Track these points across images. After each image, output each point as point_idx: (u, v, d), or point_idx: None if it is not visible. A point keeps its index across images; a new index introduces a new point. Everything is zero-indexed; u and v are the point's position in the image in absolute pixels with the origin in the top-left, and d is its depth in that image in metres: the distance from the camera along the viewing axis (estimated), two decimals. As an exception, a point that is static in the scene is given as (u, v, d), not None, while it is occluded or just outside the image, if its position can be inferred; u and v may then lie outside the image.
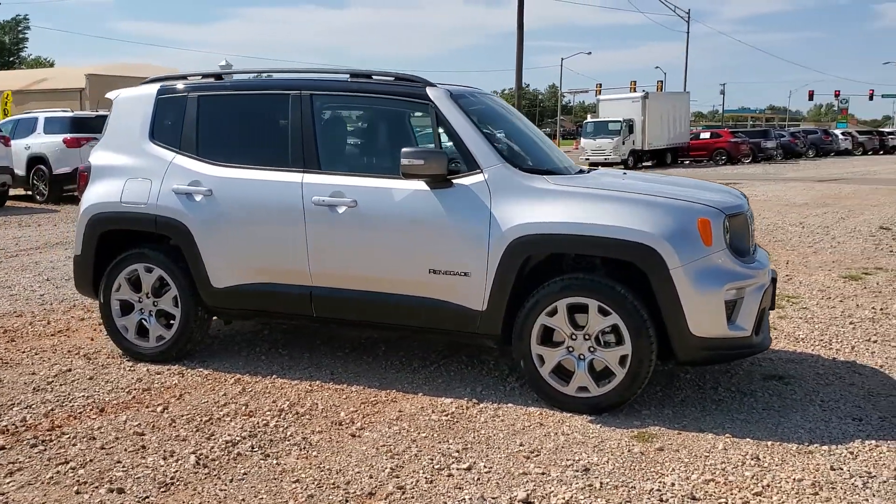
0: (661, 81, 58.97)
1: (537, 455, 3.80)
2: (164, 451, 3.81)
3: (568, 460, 3.74)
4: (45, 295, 7.27)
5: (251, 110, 5.13)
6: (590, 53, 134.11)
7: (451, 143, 4.66)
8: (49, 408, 4.38)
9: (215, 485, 3.47)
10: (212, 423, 4.16)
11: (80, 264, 5.32)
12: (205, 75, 5.32)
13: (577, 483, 3.50)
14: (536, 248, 4.35)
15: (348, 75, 4.97)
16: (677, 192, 4.49)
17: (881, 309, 6.87)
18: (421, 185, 4.54)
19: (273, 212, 4.82)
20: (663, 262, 4.11)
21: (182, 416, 4.27)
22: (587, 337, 4.29)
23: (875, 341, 5.86)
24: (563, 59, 73.26)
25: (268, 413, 4.31)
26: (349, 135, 5.42)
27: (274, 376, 4.93)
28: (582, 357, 4.31)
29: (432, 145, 4.72)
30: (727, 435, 4.05)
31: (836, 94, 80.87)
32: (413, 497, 3.38)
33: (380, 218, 4.62)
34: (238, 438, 3.95)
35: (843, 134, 54.11)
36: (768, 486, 3.49)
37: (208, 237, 4.94)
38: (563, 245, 4.34)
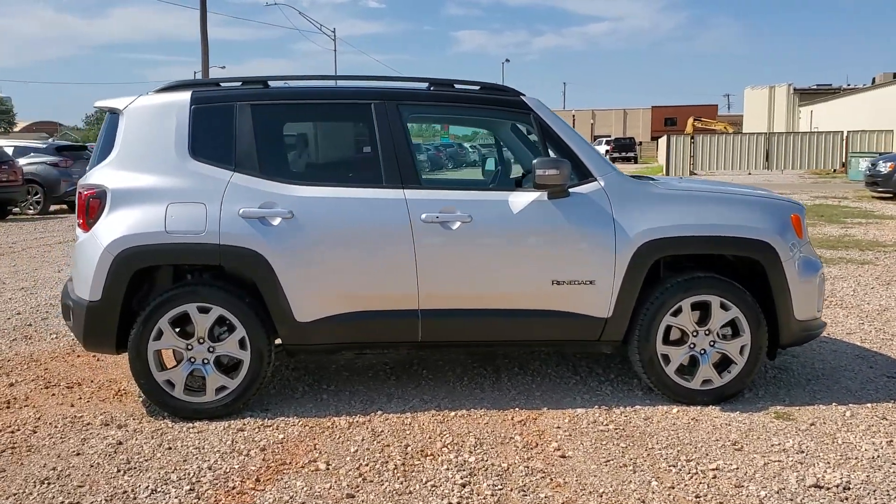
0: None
1: (743, 446, 3.99)
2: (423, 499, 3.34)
3: (772, 445, 4.00)
4: None
5: (323, 121, 4.59)
6: (224, 67, 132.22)
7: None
8: (186, 488, 3.53)
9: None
10: (409, 469, 3.71)
11: (99, 313, 4.28)
12: (245, 81, 4.61)
13: (811, 461, 3.79)
14: (665, 251, 4.52)
15: (427, 83, 4.68)
16: (759, 192, 4.94)
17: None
18: (539, 195, 4.46)
19: (376, 233, 4.37)
20: (777, 254, 4.54)
21: (364, 466, 3.73)
22: (708, 332, 4.56)
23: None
24: (195, 72, 71.34)
25: (445, 449, 3.94)
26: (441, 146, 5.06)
27: (378, 412, 4.45)
28: (704, 352, 4.57)
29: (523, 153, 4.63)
30: (833, 404, 4.61)
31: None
32: (709, 496, 3.40)
33: (498, 232, 4.44)
34: (471, 473, 3.61)
35: (471, 147, 60.99)
36: (926, 435, 4.10)
37: (292, 265, 4.31)
38: (691, 246, 4.55)
